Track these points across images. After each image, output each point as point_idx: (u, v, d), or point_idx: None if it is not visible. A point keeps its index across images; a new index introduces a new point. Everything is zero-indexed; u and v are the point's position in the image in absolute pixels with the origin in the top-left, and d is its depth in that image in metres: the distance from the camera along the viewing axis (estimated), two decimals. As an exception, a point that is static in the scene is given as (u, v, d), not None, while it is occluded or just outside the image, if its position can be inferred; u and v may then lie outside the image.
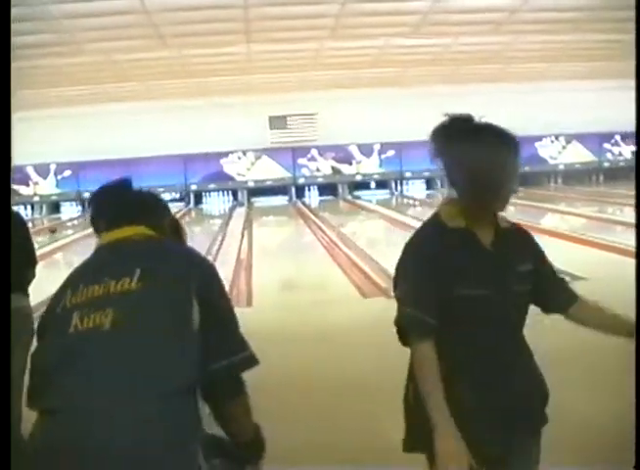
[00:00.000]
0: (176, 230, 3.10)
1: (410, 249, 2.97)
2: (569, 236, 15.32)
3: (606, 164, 31.29)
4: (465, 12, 15.88)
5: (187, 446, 2.26)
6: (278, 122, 28.81)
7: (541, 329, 7.82)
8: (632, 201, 21.73)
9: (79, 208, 28.51)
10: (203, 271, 2.64)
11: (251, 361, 2.55)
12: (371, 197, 28.90)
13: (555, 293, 3.13)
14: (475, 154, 2.83)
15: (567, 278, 9.37)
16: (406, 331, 2.89)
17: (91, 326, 2.35)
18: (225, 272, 12.29)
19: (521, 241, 3.08)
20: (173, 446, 2.22)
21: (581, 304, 3.13)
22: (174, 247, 2.89)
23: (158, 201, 3.11)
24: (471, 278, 2.82)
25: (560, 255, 12.81)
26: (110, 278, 2.47)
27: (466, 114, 2.97)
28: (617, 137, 30.84)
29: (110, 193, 2.99)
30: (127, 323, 2.35)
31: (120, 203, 2.92)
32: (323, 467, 4.87)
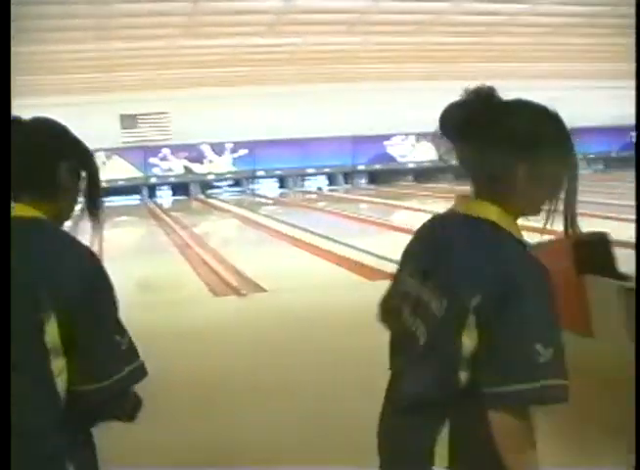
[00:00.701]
0: (92, 188, 2.41)
1: (533, 288, 2.03)
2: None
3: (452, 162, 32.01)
4: (318, 12, 15.98)
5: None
6: (129, 121, 28.43)
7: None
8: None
9: None
10: (62, 274, 2.09)
11: (136, 375, 2.20)
12: (224, 196, 28.85)
13: None
14: (525, 148, 2.10)
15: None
16: (546, 402, 2.03)
17: None
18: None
19: None
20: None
21: None
22: (42, 239, 2.17)
23: (56, 147, 2.33)
24: None
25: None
26: None
27: (489, 86, 2.17)
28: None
29: None
30: None
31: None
32: (176, 468, 4.84)
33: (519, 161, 2.10)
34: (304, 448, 4.90)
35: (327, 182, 31.13)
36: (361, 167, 31.21)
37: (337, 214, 20.67)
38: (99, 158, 28.31)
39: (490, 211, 2.14)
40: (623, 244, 6.65)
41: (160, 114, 28.42)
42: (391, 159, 31.23)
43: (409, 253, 2.37)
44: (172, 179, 29.56)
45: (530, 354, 1.96)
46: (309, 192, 29.58)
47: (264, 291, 10.13)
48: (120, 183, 28.87)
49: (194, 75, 23.90)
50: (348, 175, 31.21)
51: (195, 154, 29.44)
